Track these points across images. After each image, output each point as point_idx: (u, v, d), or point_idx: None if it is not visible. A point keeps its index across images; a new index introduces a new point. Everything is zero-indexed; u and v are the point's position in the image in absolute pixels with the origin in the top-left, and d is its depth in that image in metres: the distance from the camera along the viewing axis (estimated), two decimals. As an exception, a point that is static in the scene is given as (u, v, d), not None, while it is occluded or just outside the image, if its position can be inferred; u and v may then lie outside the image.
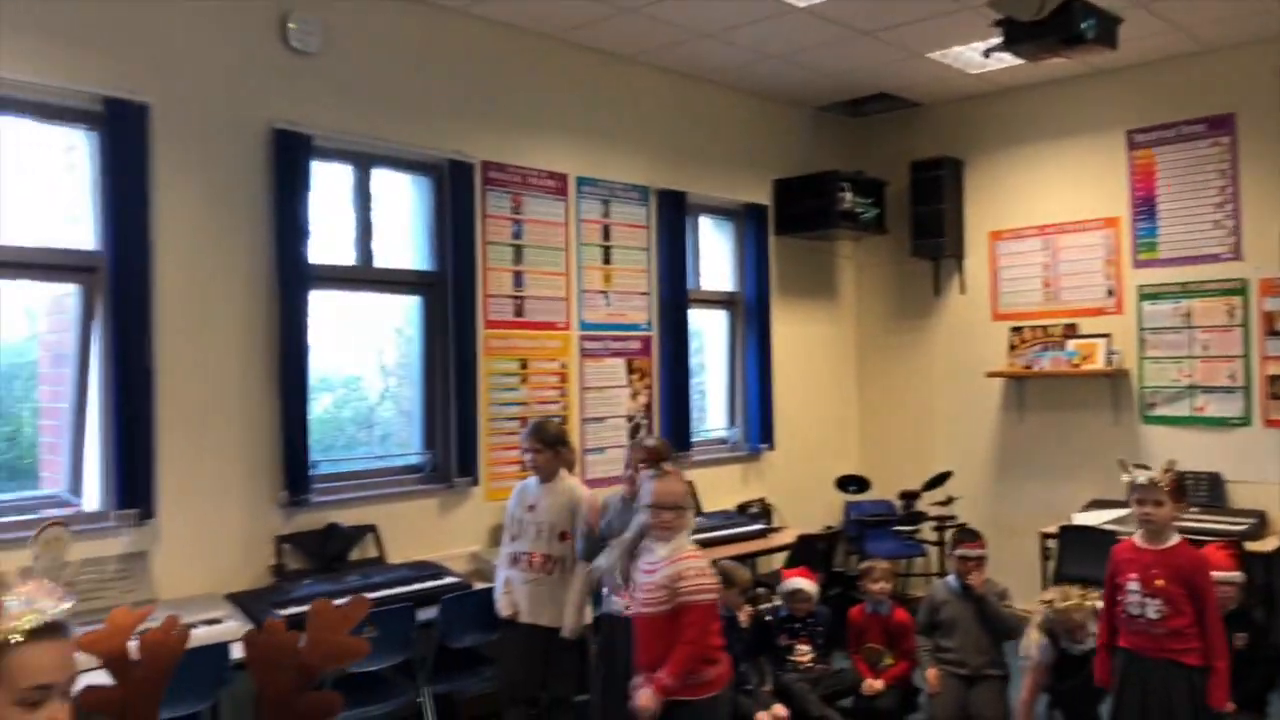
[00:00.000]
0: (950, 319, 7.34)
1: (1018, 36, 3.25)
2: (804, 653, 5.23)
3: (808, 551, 6.23)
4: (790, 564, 5.96)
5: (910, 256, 7.32)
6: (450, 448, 5.23)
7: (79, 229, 4.18)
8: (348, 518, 4.80)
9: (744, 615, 5.25)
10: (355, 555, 4.80)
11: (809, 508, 6.98)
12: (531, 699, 4.35)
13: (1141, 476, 3.68)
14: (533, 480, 4.43)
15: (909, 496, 6.83)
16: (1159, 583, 3.60)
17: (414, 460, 5.29)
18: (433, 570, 4.71)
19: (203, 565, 4.30)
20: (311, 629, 1.19)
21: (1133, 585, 3.66)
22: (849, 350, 7.80)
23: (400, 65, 5.09)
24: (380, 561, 4.83)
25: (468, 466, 5.23)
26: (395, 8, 5.06)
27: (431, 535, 5.10)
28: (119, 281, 4.09)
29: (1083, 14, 3.08)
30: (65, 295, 4.23)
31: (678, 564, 3.43)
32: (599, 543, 4.19)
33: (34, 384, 4.41)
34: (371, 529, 4.87)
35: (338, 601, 2.32)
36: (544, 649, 4.28)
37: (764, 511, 6.46)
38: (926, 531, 6.76)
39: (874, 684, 5.23)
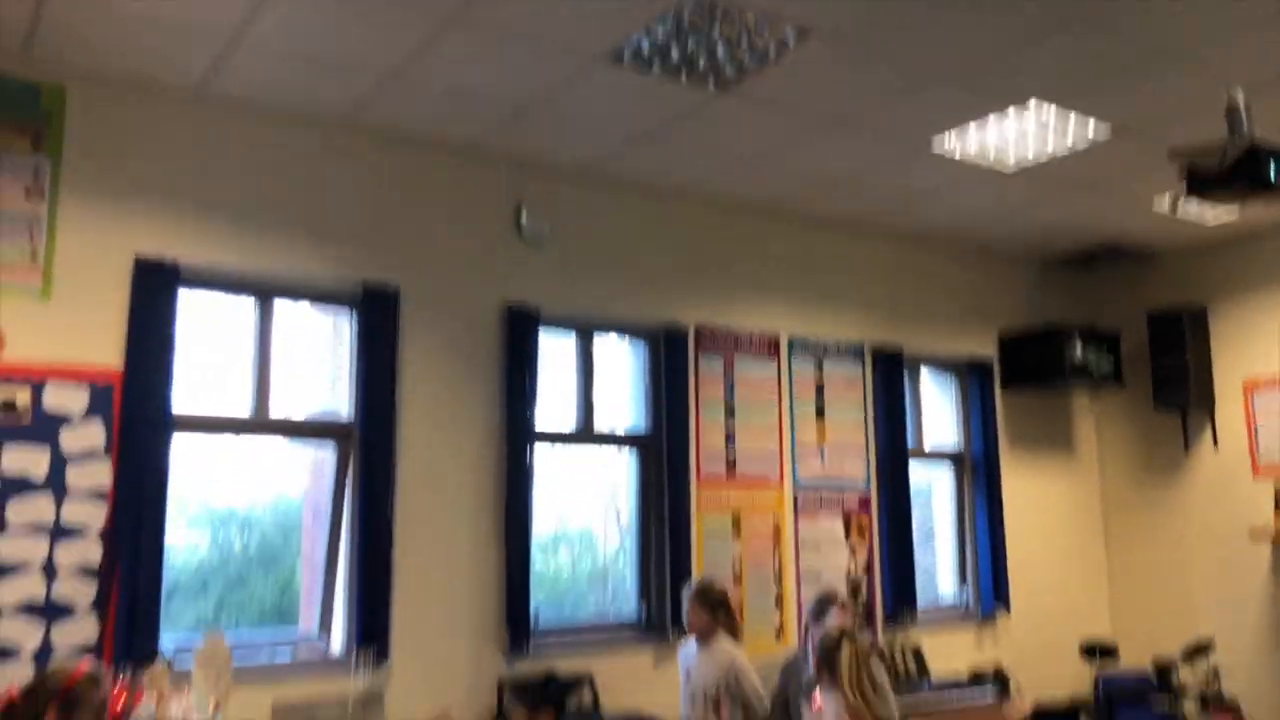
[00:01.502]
0: (1205, 475, 6.81)
1: (1204, 186, 3.18)
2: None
3: (1046, 725, 5.82)
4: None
5: (1154, 410, 6.91)
6: (665, 601, 5.36)
7: (337, 398, 4.79)
8: (567, 666, 5.00)
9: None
10: (573, 703, 4.96)
11: (1050, 676, 6.51)
12: None
13: None
14: (693, 642, 4.41)
15: (1165, 667, 6.25)
16: None
17: (630, 613, 5.45)
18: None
19: (431, 706, 4.59)
20: None
21: None
22: (1092, 507, 7.35)
23: (620, 243, 5.55)
24: (595, 711, 4.97)
25: (682, 621, 5.33)
26: (613, 195, 5.55)
27: (645, 687, 5.19)
28: (367, 443, 4.62)
29: (1268, 159, 2.99)
30: (324, 458, 4.81)
31: None
32: (784, 705, 4.18)
33: (299, 536, 4.98)
34: (589, 678, 5.04)
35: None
36: None
37: (999, 679, 6.08)
38: (1189, 708, 6.13)
39: None
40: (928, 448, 6.72)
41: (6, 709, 2.61)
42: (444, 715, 1.39)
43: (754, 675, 4.26)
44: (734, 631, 4.38)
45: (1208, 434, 6.79)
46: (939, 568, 6.83)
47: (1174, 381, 6.71)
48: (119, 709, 3.04)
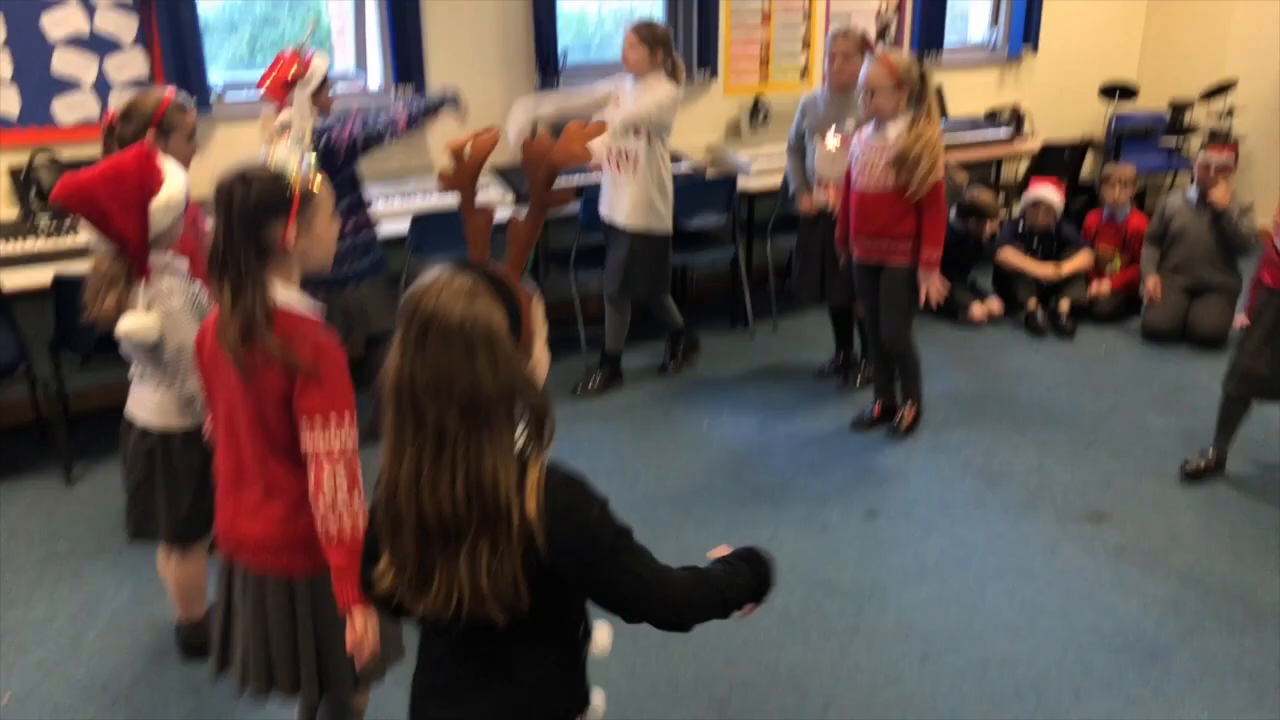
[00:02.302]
0: (1271, -95, 6.37)
1: None
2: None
3: (1052, 162, 6.12)
4: (1031, 173, 5.91)
5: None
6: (691, 39, 5.40)
7: None
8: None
9: (988, 230, 5.40)
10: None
11: (1068, 117, 6.70)
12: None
13: None
14: (630, 79, 4.20)
15: (1181, 107, 6.39)
16: None
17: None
18: (672, 158, 5.10)
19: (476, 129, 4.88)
20: (562, 139, 1.59)
21: None
22: (1143, -57, 6.99)
23: None
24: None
25: (707, 58, 5.42)
26: None
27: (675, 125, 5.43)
28: None
29: None
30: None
31: (912, 145, 3.64)
32: (799, 140, 4.40)
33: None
34: (618, 116, 5.26)
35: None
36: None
37: (1015, 119, 6.27)
38: (1193, 144, 6.37)
39: (1099, 287, 5.34)
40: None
41: (108, 129, 2.85)
42: (490, 133, 1.54)
43: (670, 113, 4.18)
44: (675, 74, 4.18)
45: None
46: (972, 12, 6.70)
47: None
48: None
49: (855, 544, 3.43)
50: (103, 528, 3.51)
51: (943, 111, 6.16)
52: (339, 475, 1.81)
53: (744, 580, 1.56)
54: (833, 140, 4.20)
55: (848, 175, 3.94)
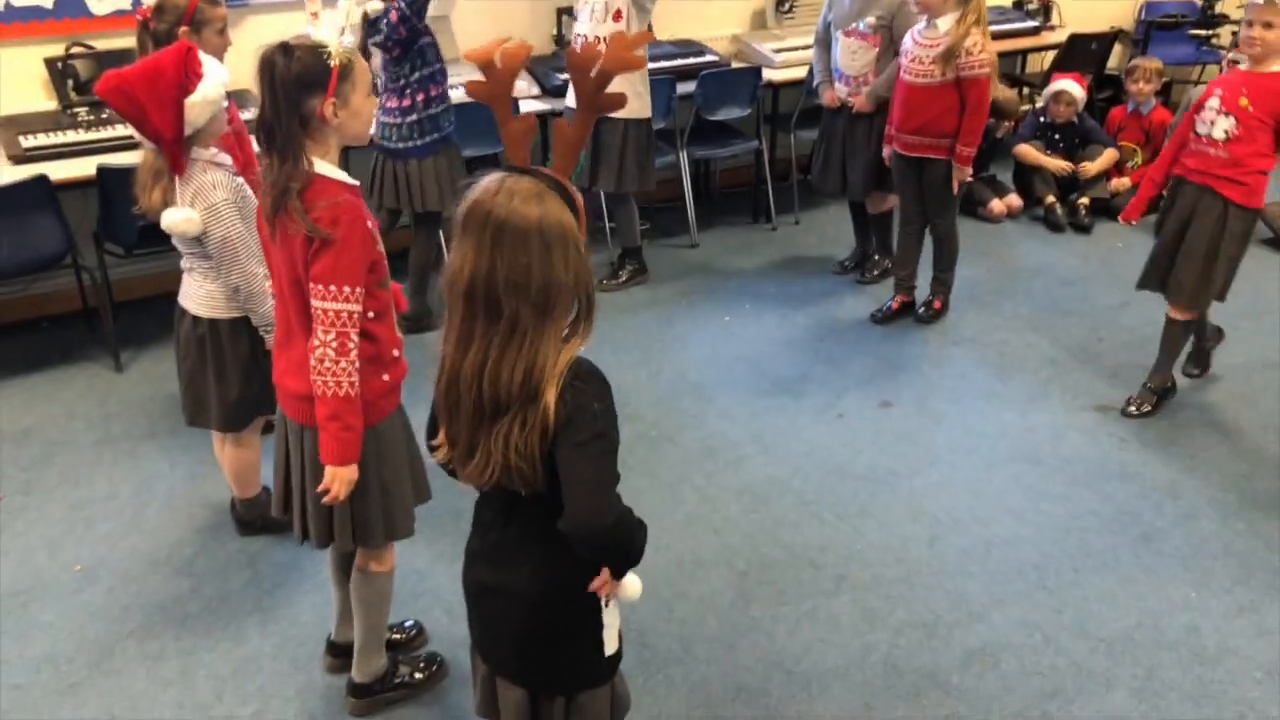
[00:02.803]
0: None
1: None
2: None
3: (1079, 53, 6.05)
4: (1057, 66, 5.86)
5: None
6: (717, -73, 5.33)
7: None
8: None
9: (1003, 130, 5.38)
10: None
11: (1097, 6, 6.58)
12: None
13: None
14: None
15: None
16: (1243, 101, 3.21)
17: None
18: (696, 48, 5.12)
19: (494, 29, 4.88)
20: (611, 46, 1.65)
21: (1213, 101, 3.30)
22: None
23: None
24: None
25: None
26: None
27: (697, 15, 5.41)
28: None
29: None
30: None
31: (961, 40, 3.73)
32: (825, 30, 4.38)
33: None
34: (642, 6, 5.24)
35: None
36: None
37: (1043, 8, 6.18)
38: (1227, 38, 6.29)
39: (1120, 181, 5.37)
40: None
41: (143, 25, 2.92)
42: (513, 43, 1.58)
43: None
44: None
45: None
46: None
47: None
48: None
49: (870, 432, 3.59)
50: (153, 411, 3.70)
51: None
52: (330, 338, 1.96)
53: (640, 536, 1.60)
54: (850, 33, 4.21)
55: (898, 69, 4.02)
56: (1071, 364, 4.00)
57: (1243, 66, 3.33)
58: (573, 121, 1.68)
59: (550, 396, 1.44)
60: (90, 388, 3.88)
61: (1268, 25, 3.15)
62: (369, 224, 2.00)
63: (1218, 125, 3.28)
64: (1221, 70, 4.95)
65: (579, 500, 1.47)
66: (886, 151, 4.19)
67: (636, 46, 1.71)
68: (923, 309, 4.30)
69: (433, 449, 1.64)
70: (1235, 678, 2.55)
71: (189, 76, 2.41)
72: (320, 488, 2.05)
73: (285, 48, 1.90)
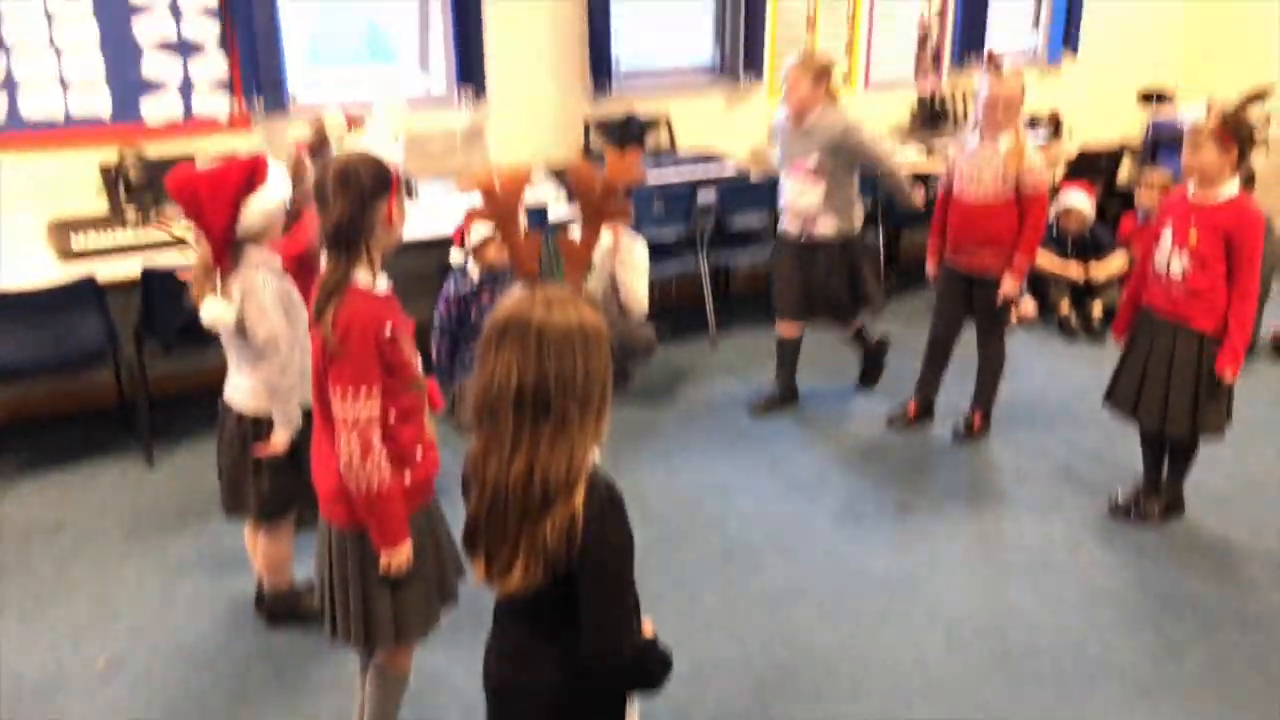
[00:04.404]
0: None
1: None
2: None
3: (1089, 167, 6.23)
4: (1066, 180, 6.02)
5: None
6: (739, 45, 5.57)
7: None
8: (646, 107, 5.39)
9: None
10: (650, 144, 5.44)
11: (1106, 122, 6.79)
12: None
13: (1190, 115, 3.24)
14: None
15: (1218, 114, 6.46)
16: (1192, 237, 3.25)
17: (706, 59, 5.70)
18: (716, 160, 5.31)
19: (525, 140, 5.09)
20: (611, 164, 1.77)
21: (1166, 236, 3.35)
22: (1188, -50, 7.06)
23: None
24: (671, 149, 5.46)
25: (754, 64, 5.59)
26: None
27: (717, 127, 5.62)
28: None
29: None
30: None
31: (1021, 160, 3.81)
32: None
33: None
34: (666, 118, 5.46)
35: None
36: None
37: (1054, 124, 6.39)
38: (1232, 154, 6.44)
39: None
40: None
41: (297, 154, 3.17)
42: (527, 168, 1.70)
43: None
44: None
45: None
46: (1012, 15, 6.80)
47: None
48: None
49: (887, 535, 3.62)
50: (183, 506, 3.77)
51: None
52: (354, 442, 2.06)
53: (658, 670, 1.68)
54: (794, 171, 4.17)
55: (947, 186, 4.07)
56: (1087, 471, 4.04)
57: (1190, 192, 3.33)
58: (580, 237, 1.79)
59: (579, 497, 1.51)
60: (122, 482, 3.97)
61: (1197, 148, 3.20)
62: (387, 331, 2.09)
63: (1174, 263, 3.32)
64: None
65: (595, 638, 1.55)
66: (931, 268, 4.22)
67: (634, 161, 1.84)
68: (962, 427, 4.31)
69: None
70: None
71: (252, 184, 2.57)
72: (380, 572, 2.16)
73: (362, 159, 2.08)
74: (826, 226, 4.23)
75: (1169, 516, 3.68)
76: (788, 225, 4.34)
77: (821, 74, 4.09)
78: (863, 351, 4.71)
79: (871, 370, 4.75)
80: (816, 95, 4.07)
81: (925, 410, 4.38)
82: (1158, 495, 3.69)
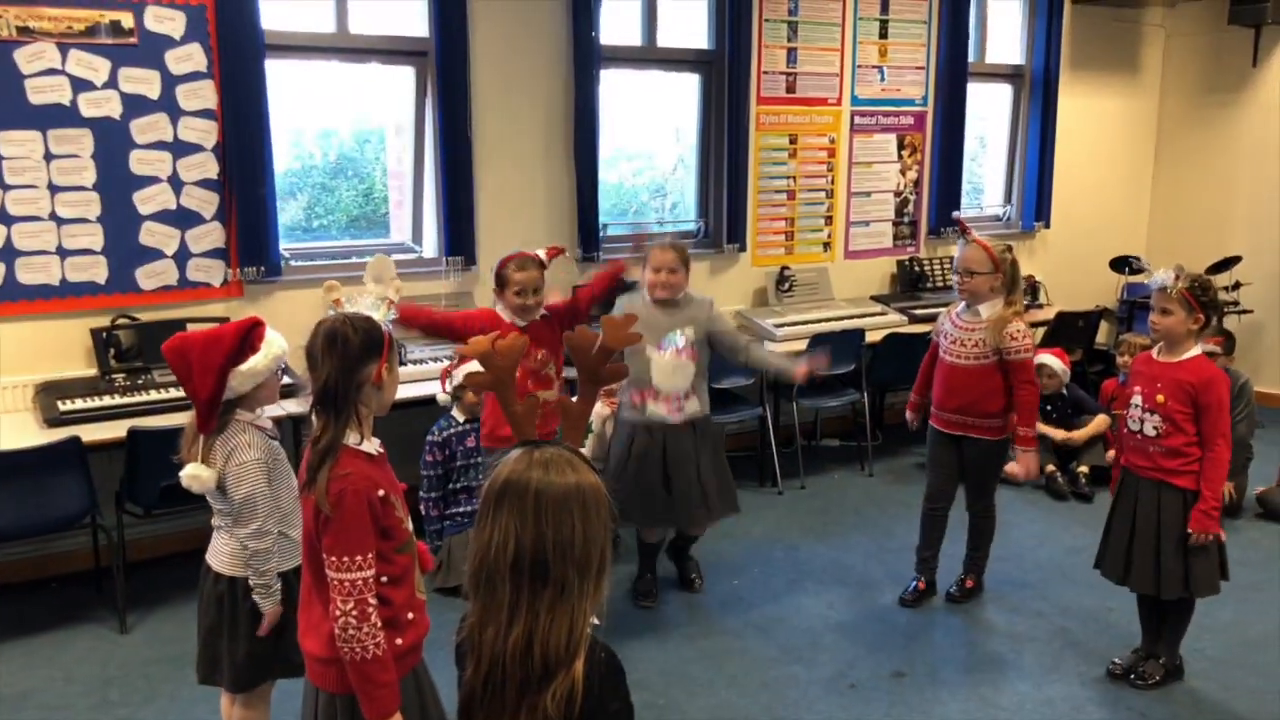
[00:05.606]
0: (1269, 93, 6.83)
1: None
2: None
3: (1067, 330, 6.37)
4: (1045, 342, 6.15)
5: (1228, 25, 6.78)
6: (722, 216, 5.77)
7: (413, 19, 4.93)
8: (634, 272, 5.51)
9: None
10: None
11: (1082, 286, 7.00)
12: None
13: (1158, 280, 3.31)
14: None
15: (1189, 280, 6.67)
16: (1160, 398, 3.31)
17: (689, 226, 5.90)
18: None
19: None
20: (606, 328, 1.82)
21: (1136, 399, 3.41)
22: (1148, 126, 7.46)
23: None
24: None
25: (737, 234, 5.78)
26: None
27: (706, 292, 5.72)
28: (444, 63, 4.84)
29: None
30: (404, 76, 5.04)
31: (1005, 326, 3.87)
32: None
33: (383, 148, 5.36)
34: (652, 284, 5.58)
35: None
36: None
37: (1031, 289, 6.56)
38: (1204, 317, 6.62)
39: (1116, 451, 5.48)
40: (989, 62, 6.72)
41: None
42: (514, 339, 1.75)
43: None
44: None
45: (1278, 52, 6.72)
46: (987, 185, 7.11)
47: (1254, -6, 6.53)
48: None
49: (883, 704, 3.50)
50: (154, 675, 3.64)
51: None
52: (349, 607, 2.01)
53: None
54: (666, 350, 3.99)
55: (933, 347, 4.15)
56: (1083, 633, 3.96)
57: (1155, 353, 3.40)
58: (578, 398, 1.81)
59: (580, 666, 1.47)
60: (93, 650, 3.84)
61: (1164, 311, 3.26)
62: (379, 493, 2.08)
63: (1146, 424, 3.35)
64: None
65: None
66: (911, 418, 4.33)
67: (629, 325, 1.88)
68: (955, 589, 4.25)
69: None
70: None
71: (244, 349, 2.59)
72: None
73: (350, 321, 2.10)
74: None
75: (1168, 680, 3.59)
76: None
77: (684, 259, 4.14)
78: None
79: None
80: (679, 279, 4.07)
81: (930, 583, 4.29)
82: (1156, 659, 3.61)
